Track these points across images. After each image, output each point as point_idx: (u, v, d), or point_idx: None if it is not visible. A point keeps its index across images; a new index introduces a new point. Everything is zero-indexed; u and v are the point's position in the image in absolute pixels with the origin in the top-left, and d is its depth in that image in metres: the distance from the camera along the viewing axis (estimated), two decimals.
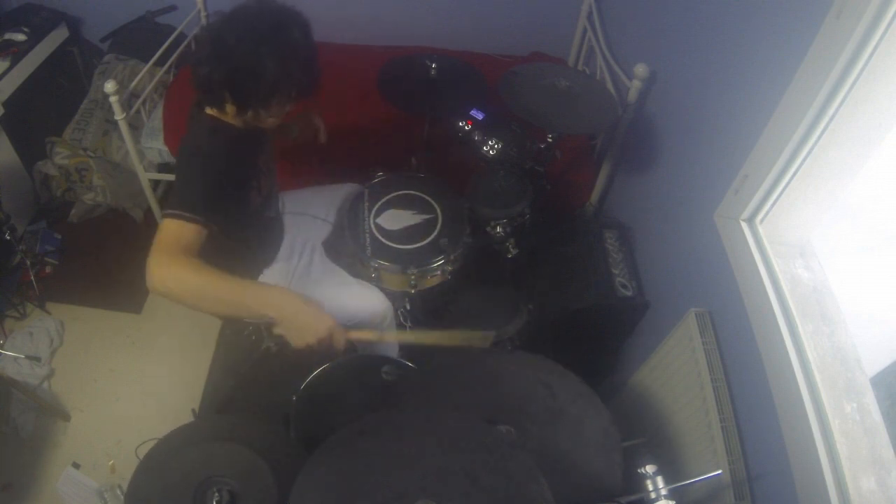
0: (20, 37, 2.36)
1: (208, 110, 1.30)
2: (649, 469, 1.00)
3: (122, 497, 1.29)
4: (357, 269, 1.74)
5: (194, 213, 1.15)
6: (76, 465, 1.48)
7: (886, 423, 1.02)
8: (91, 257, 2.46)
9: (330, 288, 1.66)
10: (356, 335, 1.23)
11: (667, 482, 0.99)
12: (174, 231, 1.15)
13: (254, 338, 2.05)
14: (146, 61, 2.40)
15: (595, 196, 2.23)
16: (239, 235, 1.42)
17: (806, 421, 1.00)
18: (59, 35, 2.54)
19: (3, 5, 2.56)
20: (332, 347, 1.18)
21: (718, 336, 1.33)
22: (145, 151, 2.36)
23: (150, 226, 2.59)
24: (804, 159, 1.14)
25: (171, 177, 2.45)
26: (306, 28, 1.23)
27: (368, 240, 1.73)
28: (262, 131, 1.42)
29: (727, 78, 1.41)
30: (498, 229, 1.82)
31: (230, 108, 1.25)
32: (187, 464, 1.12)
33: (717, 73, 1.47)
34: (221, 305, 1.17)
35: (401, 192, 1.85)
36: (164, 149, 2.33)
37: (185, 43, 2.59)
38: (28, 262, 2.27)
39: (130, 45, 2.61)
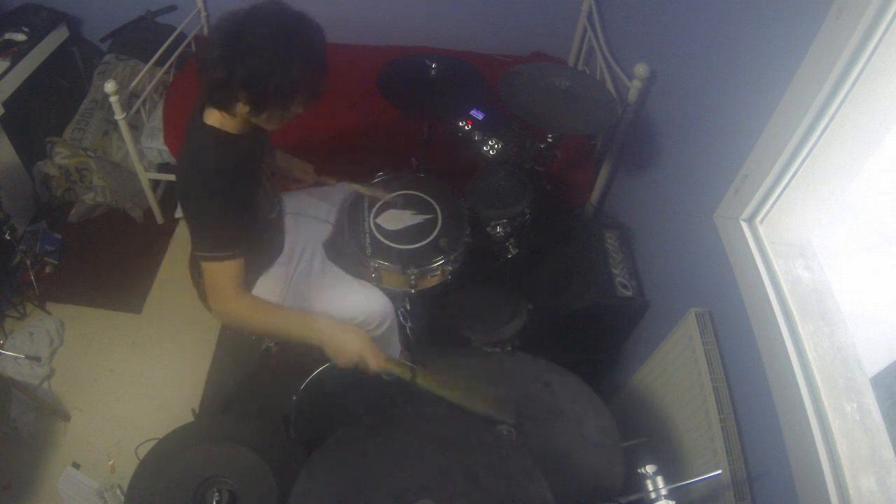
0: (20, 37, 2.36)
1: (208, 119, 1.27)
2: (649, 469, 1.01)
3: (122, 497, 1.29)
4: (357, 269, 1.74)
5: (229, 250, 1.24)
6: (76, 465, 1.48)
7: (886, 423, 1.02)
8: (91, 257, 2.46)
9: (330, 288, 1.66)
10: (390, 365, 1.31)
11: (667, 482, 1.00)
12: (219, 273, 1.26)
13: (254, 338, 2.05)
14: (146, 61, 2.40)
15: (595, 196, 2.23)
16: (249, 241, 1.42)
17: (806, 421, 1.00)
18: (59, 35, 2.54)
19: (3, 5, 2.56)
20: (366, 369, 1.28)
21: (718, 336, 1.33)
22: (145, 151, 2.36)
23: (150, 226, 2.59)
24: (804, 159, 1.14)
25: (171, 177, 2.45)
26: (321, 31, 1.23)
27: (368, 240, 1.73)
28: (264, 136, 1.41)
29: (727, 78, 1.41)
30: (498, 229, 1.82)
31: (241, 109, 1.22)
32: (187, 464, 1.12)
33: (717, 73, 1.47)
34: (274, 334, 1.39)
35: (401, 192, 1.85)
36: (164, 149, 2.33)
37: (186, 43, 2.59)
38: (28, 262, 2.27)
39: (130, 45, 2.61)
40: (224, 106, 1.23)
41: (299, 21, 1.19)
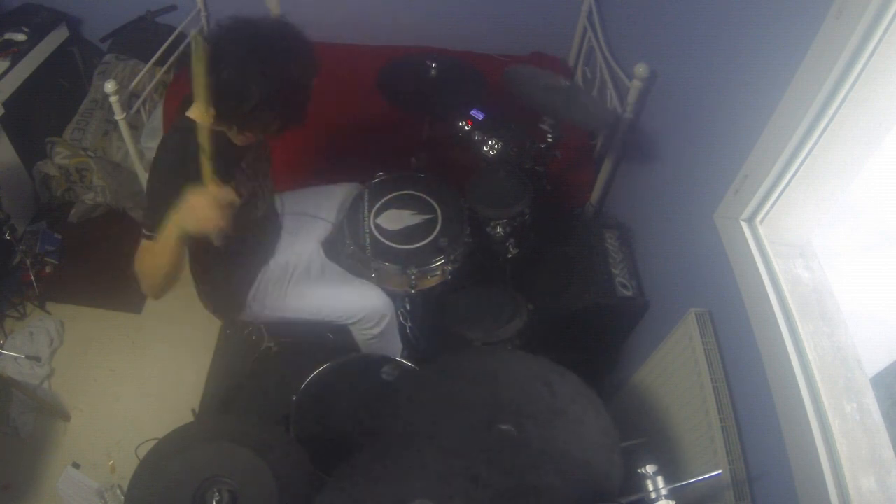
0: (20, 37, 2.35)
1: (190, 112, 1.29)
2: (649, 469, 1.00)
3: (122, 497, 1.29)
4: (357, 268, 1.74)
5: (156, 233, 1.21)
6: (76, 465, 1.48)
7: (886, 423, 1.02)
8: (91, 257, 2.46)
9: (330, 286, 1.66)
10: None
11: (667, 482, 0.99)
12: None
13: (254, 338, 2.05)
14: (146, 61, 2.40)
15: (595, 196, 2.23)
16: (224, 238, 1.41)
17: (806, 421, 1.00)
18: (59, 35, 2.54)
19: (3, 5, 2.56)
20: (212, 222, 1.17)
21: (718, 336, 1.33)
22: (145, 151, 2.35)
23: None
24: (804, 159, 1.14)
25: None
26: (307, 64, 1.21)
27: (368, 240, 1.73)
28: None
29: (727, 78, 1.41)
30: (498, 229, 1.82)
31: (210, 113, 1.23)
32: (187, 464, 1.12)
33: (718, 73, 1.47)
34: (168, 260, 1.22)
35: (401, 192, 1.85)
36: None
37: (186, 43, 2.59)
38: (28, 262, 2.27)
39: (130, 45, 2.61)
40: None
41: (282, 51, 1.16)
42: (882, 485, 0.95)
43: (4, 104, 2.23)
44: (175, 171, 1.23)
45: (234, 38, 1.15)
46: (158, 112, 2.39)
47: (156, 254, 1.21)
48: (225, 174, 1.36)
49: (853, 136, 1.09)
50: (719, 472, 1.13)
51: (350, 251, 1.75)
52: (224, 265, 1.50)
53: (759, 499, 1.15)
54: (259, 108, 1.17)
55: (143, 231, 1.23)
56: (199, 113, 1.27)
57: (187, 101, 1.32)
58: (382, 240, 1.73)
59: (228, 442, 1.15)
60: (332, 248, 1.81)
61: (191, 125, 1.28)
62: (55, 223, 2.53)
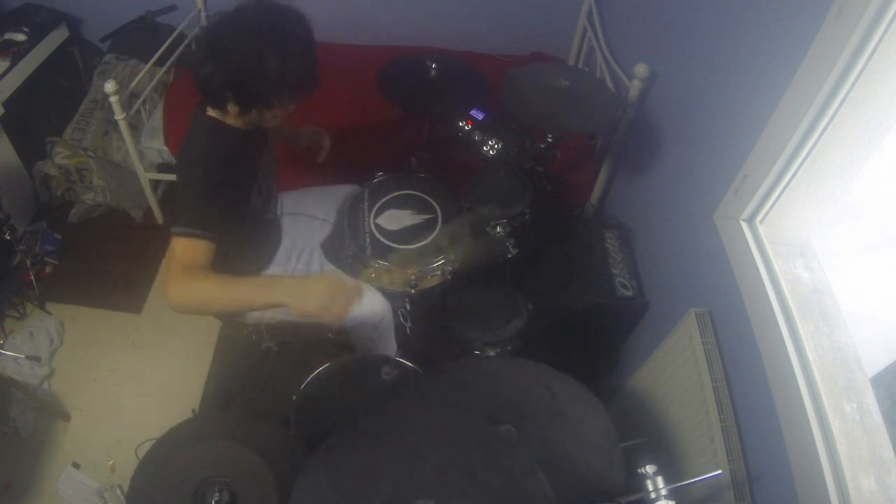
0: (20, 37, 2.36)
1: (210, 112, 1.30)
2: (649, 469, 1.00)
3: (122, 497, 1.29)
4: (357, 269, 1.74)
5: (203, 230, 1.19)
6: (76, 465, 1.48)
7: (886, 423, 1.02)
8: (91, 257, 2.46)
9: None
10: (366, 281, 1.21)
11: (667, 482, 0.99)
12: (186, 251, 1.19)
13: (254, 338, 2.05)
14: (146, 61, 2.40)
15: (595, 196, 2.23)
16: (238, 239, 1.42)
17: (806, 421, 1.00)
18: (59, 35, 2.54)
19: (3, 5, 2.56)
20: (335, 311, 1.16)
21: (718, 336, 1.33)
22: (145, 151, 2.36)
23: (150, 226, 2.59)
24: (804, 159, 1.14)
25: (171, 177, 2.45)
26: (305, 24, 1.23)
27: (368, 240, 1.73)
28: (264, 132, 1.41)
29: (727, 78, 1.41)
30: (498, 229, 1.82)
31: (232, 109, 1.25)
32: (187, 464, 1.12)
33: (718, 72, 1.47)
34: (238, 307, 1.26)
35: (401, 192, 1.85)
36: (164, 149, 2.33)
37: (186, 43, 2.59)
38: (28, 262, 2.27)
39: (130, 45, 2.61)
40: (216, 104, 1.26)
41: (280, 19, 1.19)
42: (882, 485, 0.95)
43: (4, 104, 2.23)
44: (223, 170, 1.25)
45: (232, 27, 1.16)
46: (158, 112, 2.40)
47: (225, 291, 1.18)
48: (251, 177, 1.38)
49: (853, 136, 1.09)
50: (719, 472, 1.13)
51: (350, 251, 1.75)
52: (226, 268, 1.50)
53: (759, 499, 1.15)
54: (279, 81, 1.19)
55: (190, 228, 1.18)
56: (220, 114, 1.29)
57: (201, 105, 1.32)
58: (382, 240, 1.73)
59: (228, 442, 1.16)
60: (332, 249, 1.81)
61: (216, 123, 1.30)
62: (55, 223, 2.53)
